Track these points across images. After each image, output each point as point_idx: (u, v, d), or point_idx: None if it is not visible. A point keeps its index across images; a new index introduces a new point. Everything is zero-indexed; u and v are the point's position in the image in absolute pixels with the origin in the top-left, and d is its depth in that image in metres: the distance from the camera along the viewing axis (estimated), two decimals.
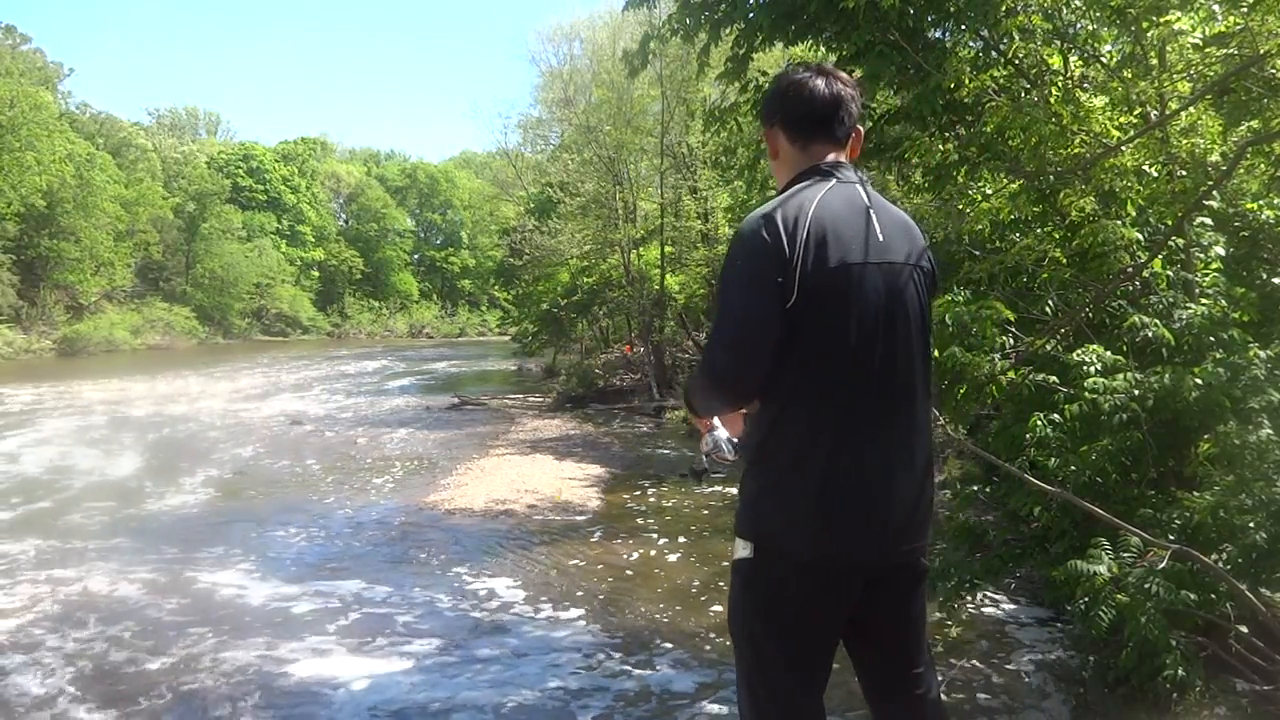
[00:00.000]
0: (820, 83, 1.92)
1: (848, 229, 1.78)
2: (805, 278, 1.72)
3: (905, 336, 1.82)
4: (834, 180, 1.85)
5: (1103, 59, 4.76)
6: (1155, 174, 4.15)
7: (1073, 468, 3.83)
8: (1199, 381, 3.61)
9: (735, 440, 2.00)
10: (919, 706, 1.97)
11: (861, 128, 2.04)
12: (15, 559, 7.06)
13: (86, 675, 4.79)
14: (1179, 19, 3.87)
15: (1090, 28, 4.73)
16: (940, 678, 3.80)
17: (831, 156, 1.91)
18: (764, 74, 6.08)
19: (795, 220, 1.76)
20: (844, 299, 1.75)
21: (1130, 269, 4.05)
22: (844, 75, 1.98)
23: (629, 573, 6.78)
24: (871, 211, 1.82)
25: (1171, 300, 4.07)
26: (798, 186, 1.86)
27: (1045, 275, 4.29)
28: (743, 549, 1.86)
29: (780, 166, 1.97)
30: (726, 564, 7.22)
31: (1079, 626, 4.15)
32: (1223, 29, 3.78)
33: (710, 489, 9.71)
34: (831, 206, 1.80)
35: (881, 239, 1.81)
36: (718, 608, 5.82)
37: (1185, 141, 4.00)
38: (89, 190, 41.26)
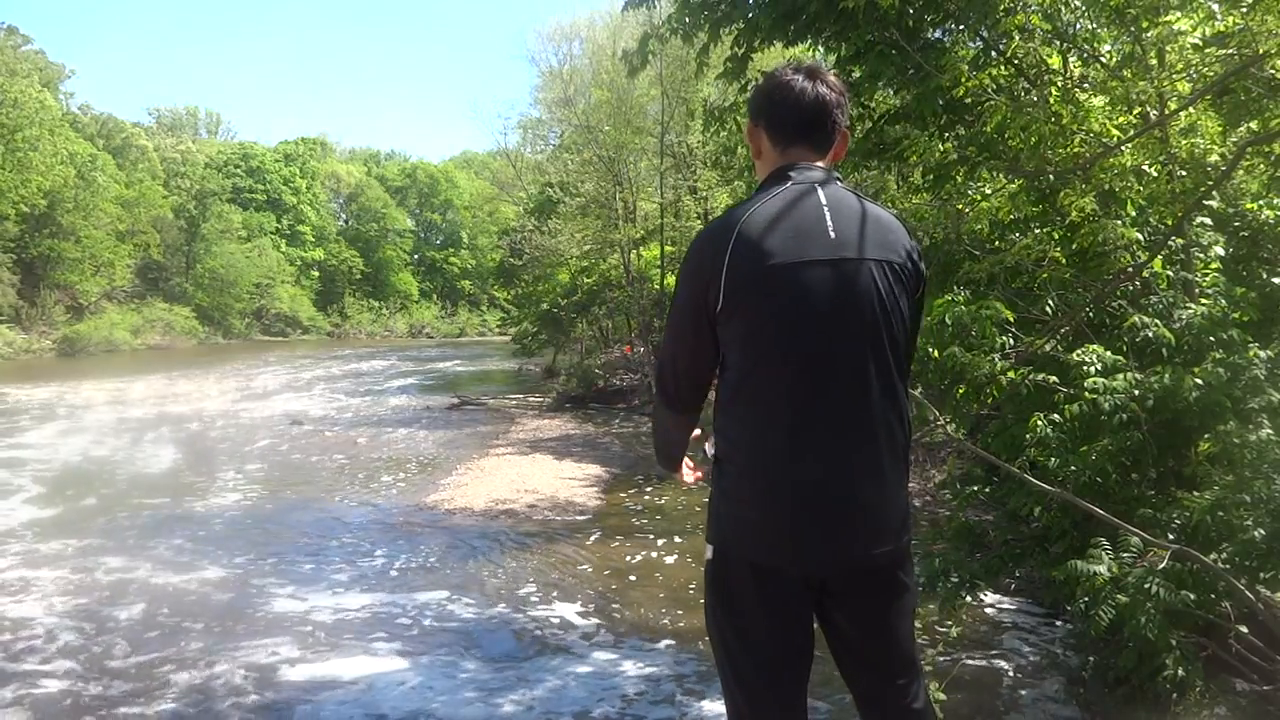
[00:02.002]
0: (807, 86, 1.89)
1: (784, 232, 1.75)
2: (729, 287, 1.73)
3: (856, 333, 1.75)
4: (787, 183, 1.83)
5: (1102, 59, 4.76)
6: (1155, 174, 4.15)
7: (1073, 468, 3.82)
8: (1199, 381, 3.60)
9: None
10: (902, 718, 1.90)
11: (849, 130, 1.99)
12: (41, 552, 7.16)
13: (107, 662, 4.80)
14: (1179, 19, 3.87)
15: (1090, 27, 4.73)
16: (940, 682, 3.80)
17: (809, 160, 1.88)
18: (764, 74, 6.07)
19: (720, 236, 1.77)
20: (774, 301, 1.73)
21: (1130, 269, 4.04)
22: (832, 78, 1.93)
23: (629, 574, 6.78)
24: (826, 209, 1.78)
25: (1171, 300, 4.06)
26: (752, 197, 1.86)
27: (1045, 275, 4.28)
28: (708, 552, 1.88)
29: (761, 167, 1.95)
30: None
31: (1079, 626, 4.15)
32: (1223, 29, 3.77)
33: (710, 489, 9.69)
34: (769, 211, 1.78)
35: (834, 236, 1.76)
36: None
37: (1185, 141, 3.99)
38: (90, 190, 41.27)
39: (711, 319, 1.78)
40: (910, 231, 1.90)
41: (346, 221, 69.32)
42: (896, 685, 1.88)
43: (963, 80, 4.29)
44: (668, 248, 19.12)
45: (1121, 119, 4.13)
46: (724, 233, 1.78)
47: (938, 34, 5.33)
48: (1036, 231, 4.38)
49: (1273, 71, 3.66)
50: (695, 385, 1.90)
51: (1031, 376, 4.10)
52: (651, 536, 7.82)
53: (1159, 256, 4.10)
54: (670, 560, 7.10)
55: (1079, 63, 4.74)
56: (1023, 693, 4.40)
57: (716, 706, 4.33)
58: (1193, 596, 3.26)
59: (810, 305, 1.73)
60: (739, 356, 1.78)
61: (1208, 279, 4.14)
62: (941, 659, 4.54)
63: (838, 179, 1.89)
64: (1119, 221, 4.01)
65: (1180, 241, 4.21)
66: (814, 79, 1.90)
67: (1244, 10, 3.58)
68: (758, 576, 1.78)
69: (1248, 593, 3.13)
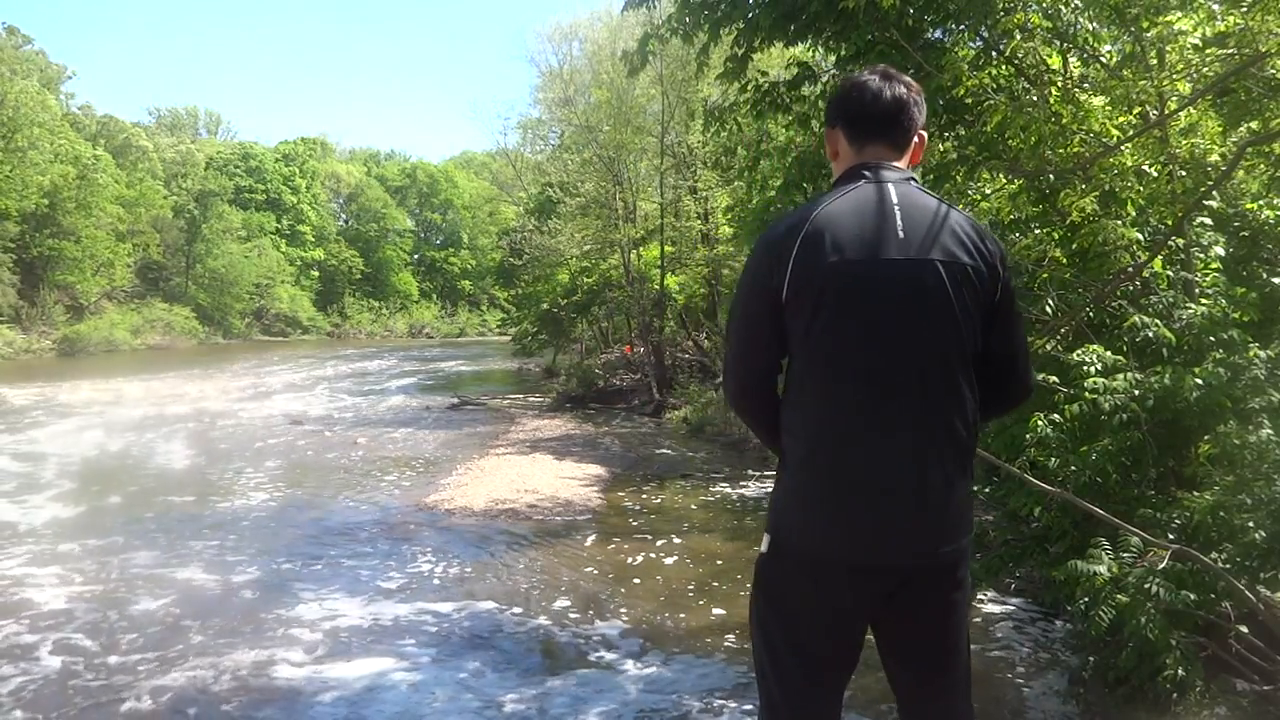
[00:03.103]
0: (884, 85, 1.91)
1: (854, 229, 1.75)
2: (795, 280, 1.74)
3: (921, 332, 1.75)
4: (861, 181, 1.83)
5: (1102, 59, 4.76)
6: (1155, 174, 4.15)
7: (1073, 468, 3.83)
8: (1199, 381, 3.61)
9: None
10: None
11: (925, 133, 2.00)
12: (64, 547, 7.21)
13: (116, 657, 4.80)
14: (1179, 19, 3.87)
15: (1090, 27, 4.73)
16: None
17: (886, 159, 1.89)
18: (764, 74, 6.07)
19: (792, 228, 1.78)
20: (840, 297, 1.73)
21: (1130, 269, 4.05)
22: (908, 79, 1.95)
23: (631, 575, 6.78)
24: (897, 209, 1.79)
25: (1171, 300, 4.07)
26: (826, 193, 1.87)
27: (1045, 275, 4.28)
28: (764, 544, 1.86)
29: (837, 168, 1.96)
30: (723, 564, 7.22)
31: (1079, 626, 4.15)
32: (1223, 29, 3.77)
33: (710, 489, 9.70)
34: (842, 208, 1.78)
35: (903, 235, 1.76)
36: (719, 610, 5.82)
37: (1185, 141, 4.00)
38: (90, 190, 41.27)
39: (777, 307, 1.78)
40: (987, 234, 1.88)
41: (346, 221, 69.31)
42: (944, 685, 1.86)
43: (963, 80, 4.29)
44: (668, 248, 19.12)
45: (1121, 119, 4.13)
46: (796, 226, 1.78)
47: (938, 34, 5.32)
48: (1036, 231, 4.39)
49: (1273, 71, 3.66)
50: (762, 375, 1.86)
51: None
52: (650, 537, 7.82)
53: (1159, 256, 4.10)
54: (670, 561, 7.09)
55: (1079, 63, 4.75)
56: (1023, 692, 4.40)
57: (718, 708, 4.32)
58: (1193, 596, 3.26)
59: (876, 303, 1.74)
60: (803, 350, 1.78)
61: (1208, 279, 4.14)
62: None
63: (913, 180, 1.88)
64: (1119, 221, 4.01)
65: (1180, 241, 4.22)
66: (890, 79, 1.93)
67: (1244, 10, 3.58)
68: (815, 571, 1.77)
69: (1248, 593, 3.13)
